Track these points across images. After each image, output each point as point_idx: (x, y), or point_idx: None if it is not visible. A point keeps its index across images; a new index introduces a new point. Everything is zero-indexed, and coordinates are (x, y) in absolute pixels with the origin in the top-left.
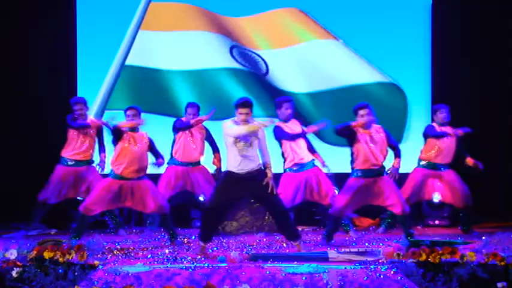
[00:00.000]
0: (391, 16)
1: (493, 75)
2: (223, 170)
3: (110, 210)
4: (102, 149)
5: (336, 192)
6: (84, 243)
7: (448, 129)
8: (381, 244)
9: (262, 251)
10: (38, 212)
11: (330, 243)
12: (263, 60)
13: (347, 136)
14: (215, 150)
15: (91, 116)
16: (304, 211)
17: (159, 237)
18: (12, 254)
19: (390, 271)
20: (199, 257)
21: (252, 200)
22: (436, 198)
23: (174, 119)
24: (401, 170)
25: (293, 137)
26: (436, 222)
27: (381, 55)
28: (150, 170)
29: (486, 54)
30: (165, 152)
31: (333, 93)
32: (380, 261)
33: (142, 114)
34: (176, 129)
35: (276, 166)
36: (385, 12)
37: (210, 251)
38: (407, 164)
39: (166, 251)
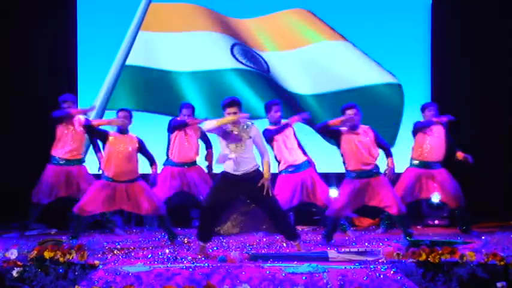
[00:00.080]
0: (391, 16)
1: (493, 75)
2: (219, 170)
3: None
4: (95, 148)
5: (335, 192)
6: (85, 243)
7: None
8: (380, 244)
9: (262, 251)
10: (33, 212)
11: (330, 243)
12: (262, 58)
13: (331, 137)
14: (208, 146)
15: (81, 116)
16: (304, 211)
17: (159, 237)
18: (13, 254)
19: (390, 271)
20: (200, 256)
21: (248, 201)
22: (436, 198)
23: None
24: (398, 170)
25: (278, 131)
26: (436, 222)
27: (381, 55)
28: (147, 170)
29: (486, 54)
30: (161, 152)
31: (342, 94)
32: (380, 261)
33: (146, 114)
34: (171, 128)
35: (276, 166)
36: (385, 12)
37: (210, 250)
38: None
39: (167, 250)
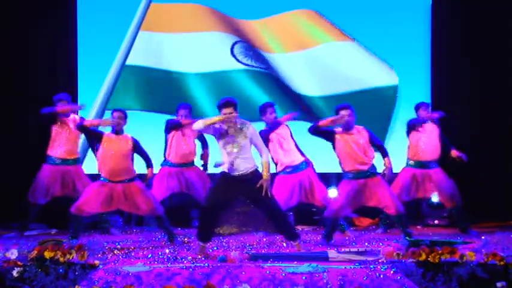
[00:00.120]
0: (391, 16)
1: (493, 75)
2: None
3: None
4: (94, 149)
5: (334, 192)
6: (85, 243)
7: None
8: (380, 244)
9: (262, 251)
10: (31, 212)
11: (330, 243)
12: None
13: (325, 138)
14: (204, 146)
15: (75, 115)
16: (304, 211)
17: (159, 237)
18: (13, 254)
19: (390, 271)
20: (200, 256)
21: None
22: (436, 197)
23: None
24: (395, 170)
25: (272, 128)
26: (436, 222)
27: (381, 55)
28: (144, 170)
29: (486, 54)
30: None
31: (352, 96)
32: (380, 261)
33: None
34: (168, 128)
35: (275, 167)
36: (385, 12)
37: (210, 250)
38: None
39: (167, 250)
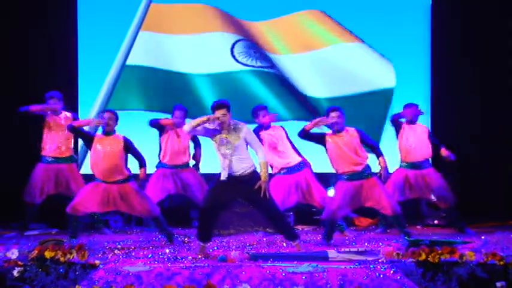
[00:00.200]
0: (391, 16)
1: (493, 75)
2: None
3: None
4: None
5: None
6: (85, 242)
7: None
8: (380, 244)
9: (262, 251)
10: (28, 212)
11: (330, 243)
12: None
13: (316, 142)
14: (197, 146)
15: (67, 113)
16: (304, 211)
17: (159, 237)
18: (14, 254)
19: (390, 270)
20: (200, 256)
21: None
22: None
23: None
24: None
25: (261, 127)
26: (435, 222)
27: (381, 55)
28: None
29: (486, 54)
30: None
31: (362, 97)
32: (380, 260)
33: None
34: (157, 129)
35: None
36: (384, 12)
37: (210, 250)
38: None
39: (167, 250)
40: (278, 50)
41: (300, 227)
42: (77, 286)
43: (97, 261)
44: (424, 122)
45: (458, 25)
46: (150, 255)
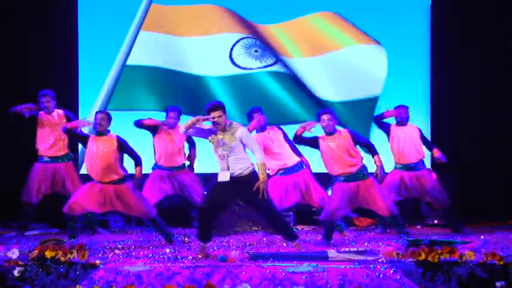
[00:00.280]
0: (391, 16)
1: (493, 75)
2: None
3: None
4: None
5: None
6: (86, 242)
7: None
8: (380, 243)
9: (262, 251)
10: (26, 211)
11: (330, 243)
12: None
13: (310, 146)
14: (191, 146)
15: (59, 110)
16: (304, 211)
17: (159, 237)
18: (14, 253)
19: (389, 270)
20: (200, 256)
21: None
22: None
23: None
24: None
25: (255, 129)
26: (435, 222)
27: None
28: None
29: (486, 54)
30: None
31: (377, 100)
32: (379, 260)
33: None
34: (150, 131)
35: None
36: (384, 12)
37: (211, 250)
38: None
39: (167, 250)
40: (290, 53)
41: (299, 227)
42: (77, 286)
43: (97, 261)
44: (424, 122)
45: (458, 25)
46: (150, 255)
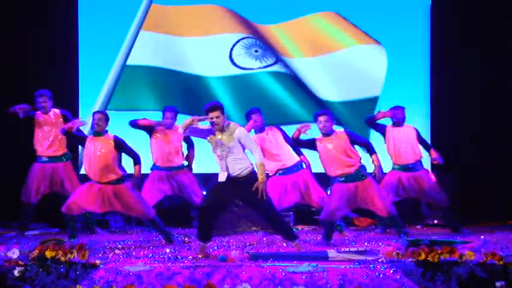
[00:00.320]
0: (391, 16)
1: (493, 75)
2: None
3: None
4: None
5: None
6: (86, 242)
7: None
8: (380, 243)
9: (262, 251)
10: (26, 211)
11: (330, 243)
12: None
13: (308, 148)
14: (190, 146)
15: (55, 109)
16: (304, 211)
17: (159, 236)
18: (14, 253)
19: (389, 270)
20: (200, 256)
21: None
22: None
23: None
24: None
25: (252, 130)
26: (435, 221)
27: None
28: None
29: (486, 54)
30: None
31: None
32: (379, 260)
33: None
34: (147, 132)
35: None
36: (384, 12)
37: (211, 250)
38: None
39: (167, 250)
40: (291, 53)
41: (299, 227)
42: (77, 286)
43: (97, 261)
44: (424, 122)
45: (458, 25)
46: (150, 255)
